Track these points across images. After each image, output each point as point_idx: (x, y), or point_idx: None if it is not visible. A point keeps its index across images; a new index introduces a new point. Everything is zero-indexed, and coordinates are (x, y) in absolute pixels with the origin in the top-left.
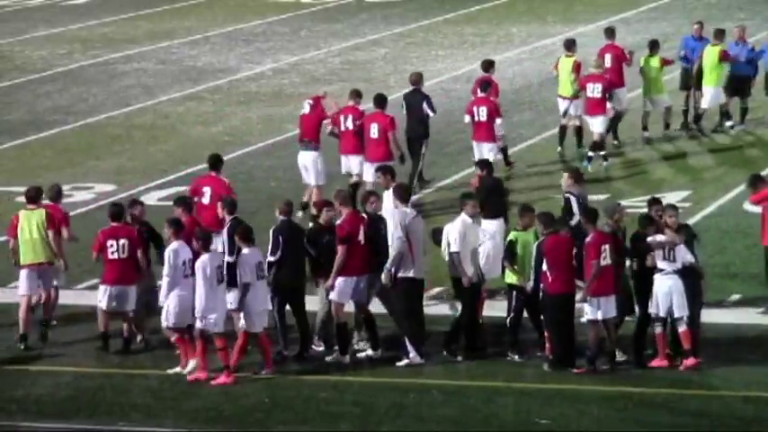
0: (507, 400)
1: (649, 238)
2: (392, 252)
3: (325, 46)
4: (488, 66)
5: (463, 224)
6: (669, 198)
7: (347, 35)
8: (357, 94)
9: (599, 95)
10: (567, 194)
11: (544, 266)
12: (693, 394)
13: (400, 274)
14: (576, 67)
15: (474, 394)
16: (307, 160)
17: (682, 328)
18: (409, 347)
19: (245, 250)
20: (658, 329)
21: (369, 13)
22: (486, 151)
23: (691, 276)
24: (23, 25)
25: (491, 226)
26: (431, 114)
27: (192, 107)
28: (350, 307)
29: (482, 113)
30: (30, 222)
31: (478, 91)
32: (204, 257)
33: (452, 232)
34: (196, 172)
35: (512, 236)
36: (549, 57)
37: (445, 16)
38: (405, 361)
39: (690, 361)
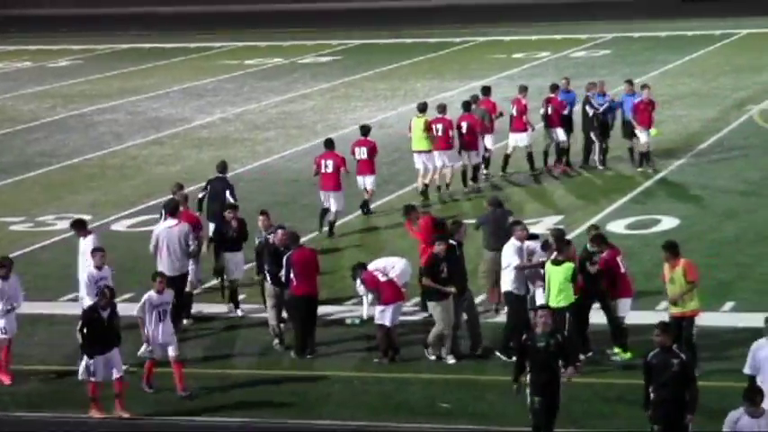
0: (415, 388)
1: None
2: None
3: (264, 99)
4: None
5: (513, 247)
6: (546, 222)
7: (282, 90)
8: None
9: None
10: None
11: (292, 274)
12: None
13: None
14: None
15: (388, 383)
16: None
17: None
18: None
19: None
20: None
21: (300, 72)
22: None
23: None
24: (15, 84)
25: None
26: (590, 113)
27: (154, 150)
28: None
29: (363, 153)
30: None
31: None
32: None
33: (505, 254)
34: (159, 204)
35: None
36: (448, 107)
37: (363, 74)
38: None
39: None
